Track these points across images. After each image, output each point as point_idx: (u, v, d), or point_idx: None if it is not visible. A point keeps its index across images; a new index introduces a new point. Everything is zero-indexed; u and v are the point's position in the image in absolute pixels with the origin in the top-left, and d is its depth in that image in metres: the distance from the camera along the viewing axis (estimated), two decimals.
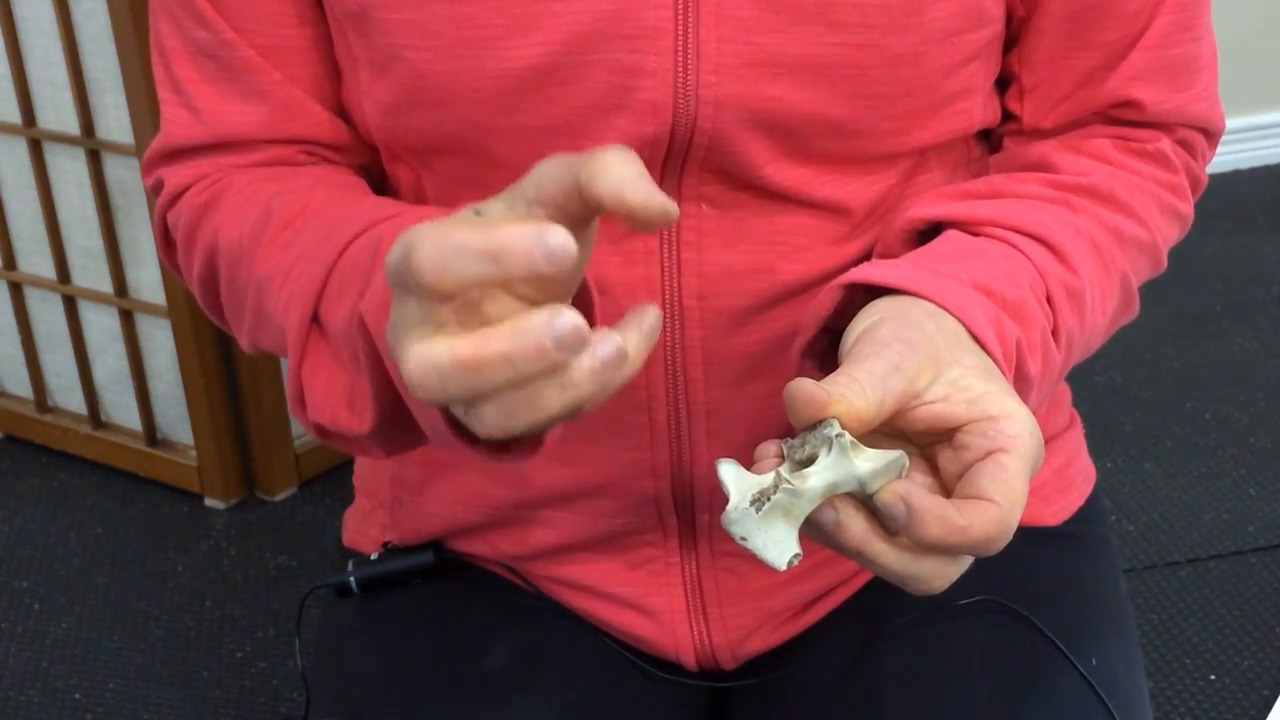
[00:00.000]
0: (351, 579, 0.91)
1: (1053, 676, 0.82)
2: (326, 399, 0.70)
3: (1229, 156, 2.84)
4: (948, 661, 0.83)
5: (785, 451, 0.61)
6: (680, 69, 0.72)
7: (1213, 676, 1.61)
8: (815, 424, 0.60)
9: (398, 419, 0.68)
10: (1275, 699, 1.58)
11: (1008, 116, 0.84)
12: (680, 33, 0.71)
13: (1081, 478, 0.95)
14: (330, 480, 2.00)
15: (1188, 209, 0.85)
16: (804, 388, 0.60)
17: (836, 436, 0.59)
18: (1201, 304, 2.37)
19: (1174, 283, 2.36)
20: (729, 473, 0.60)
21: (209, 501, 1.95)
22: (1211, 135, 0.85)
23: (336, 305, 0.69)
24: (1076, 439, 0.97)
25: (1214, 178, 2.63)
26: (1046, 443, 0.92)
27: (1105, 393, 2.14)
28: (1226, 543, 1.82)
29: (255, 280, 0.75)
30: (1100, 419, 2.07)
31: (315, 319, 0.71)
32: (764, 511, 0.59)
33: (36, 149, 1.84)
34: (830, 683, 0.85)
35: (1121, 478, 1.95)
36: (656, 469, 0.82)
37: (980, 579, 0.84)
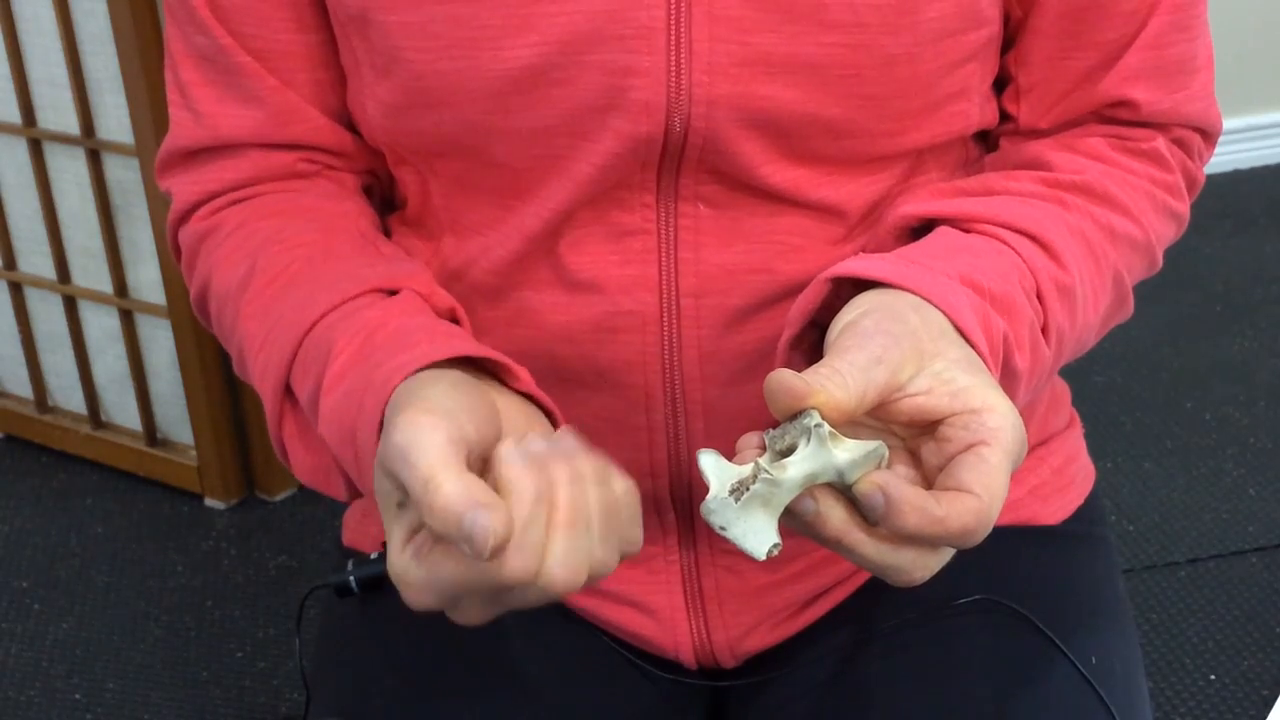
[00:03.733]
0: (351, 579, 0.91)
1: (1052, 675, 0.82)
2: (304, 465, 0.76)
3: (1229, 156, 2.84)
4: (947, 660, 0.83)
5: (766, 442, 0.61)
6: (673, 69, 0.72)
7: (1213, 676, 1.61)
8: (796, 415, 0.60)
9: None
10: (1275, 699, 1.58)
11: (1004, 117, 0.84)
12: (672, 32, 0.72)
13: (1081, 477, 0.95)
14: None
15: (1183, 208, 0.85)
16: (784, 378, 0.60)
17: (815, 427, 0.59)
18: (1201, 304, 2.37)
19: (1174, 283, 2.36)
20: (709, 463, 0.60)
21: (209, 501, 1.95)
22: (1208, 135, 0.85)
23: (301, 384, 0.74)
24: (1076, 438, 0.97)
25: (1214, 178, 2.63)
26: (1045, 442, 0.92)
27: (1105, 393, 2.14)
28: (1226, 543, 1.82)
29: (237, 338, 0.79)
30: (1100, 419, 2.07)
31: (289, 389, 0.75)
32: (743, 501, 0.59)
33: (36, 149, 1.84)
34: (830, 681, 0.85)
35: (1121, 478, 1.95)
36: (654, 468, 0.82)
37: (979, 578, 0.84)
